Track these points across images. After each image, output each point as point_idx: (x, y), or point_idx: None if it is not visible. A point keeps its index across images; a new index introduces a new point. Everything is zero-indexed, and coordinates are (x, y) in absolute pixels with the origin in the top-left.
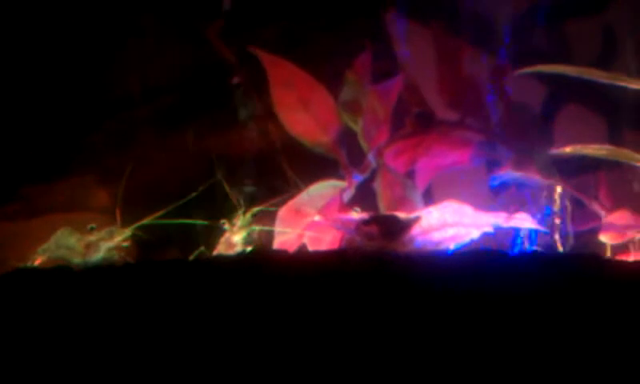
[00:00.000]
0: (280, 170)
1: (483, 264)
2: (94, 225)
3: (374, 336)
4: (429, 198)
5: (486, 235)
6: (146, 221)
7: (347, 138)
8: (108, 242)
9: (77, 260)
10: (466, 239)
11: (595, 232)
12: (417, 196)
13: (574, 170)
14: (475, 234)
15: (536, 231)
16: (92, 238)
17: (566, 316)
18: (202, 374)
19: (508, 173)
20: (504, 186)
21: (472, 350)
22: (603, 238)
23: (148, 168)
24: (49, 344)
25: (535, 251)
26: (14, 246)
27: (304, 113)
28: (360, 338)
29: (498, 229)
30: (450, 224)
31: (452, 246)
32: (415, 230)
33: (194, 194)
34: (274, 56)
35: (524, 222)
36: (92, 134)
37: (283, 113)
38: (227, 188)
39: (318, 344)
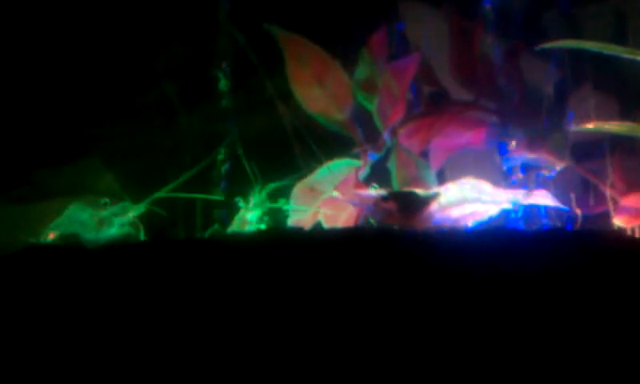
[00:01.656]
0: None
1: (502, 241)
2: (107, 199)
3: (391, 314)
4: (441, 178)
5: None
6: (159, 193)
7: (361, 117)
8: (120, 217)
9: (89, 235)
10: (485, 216)
11: (609, 215)
12: (431, 175)
13: (587, 152)
14: (494, 210)
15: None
16: (105, 213)
17: (587, 293)
18: (213, 351)
19: (521, 154)
20: (514, 167)
21: (490, 327)
22: (617, 221)
23: (154, 152)
24: (60, 321)
25: (554, 228)
26: (25, 227)
27: (319, 89)
28: (378, 318)
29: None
30: (468, 201)
31: (470, 223)
32: (433, 207)
33: (203, 164)
34: (289, 33)
35: (543, 199)
36: (98, 119)
37: (298, 89)
38: (246, 165)
39: (334, 324)
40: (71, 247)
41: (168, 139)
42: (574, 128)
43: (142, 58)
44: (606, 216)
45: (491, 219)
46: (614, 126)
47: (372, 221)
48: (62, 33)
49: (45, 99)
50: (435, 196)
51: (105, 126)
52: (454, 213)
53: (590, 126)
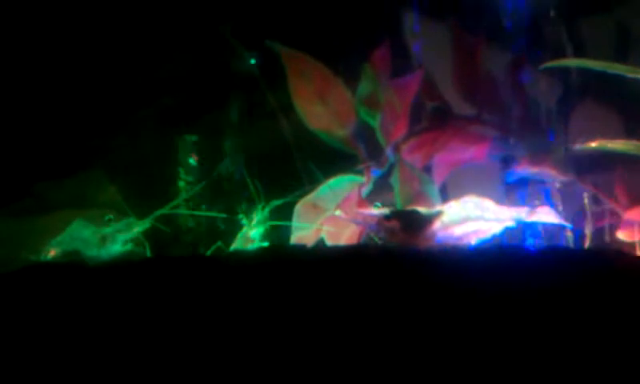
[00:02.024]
0: (296, 166)
1: (505, 260)
2: (111, 215)
3: (395, 333)
4: (443, 193)
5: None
6: (162, 210)
7: (364, 133)
8: (124, 234)
9: (92, 252)
10: (488, 234)
11: (612, 229)
12: (434, 191)
13: (590, 166)
14: (497, 228)
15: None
16: (108, 229)
17: (589, 312)
18: (215, 370)
19: (524, 169)
20: (517, 182)
21: (494, 346)
22: (621, 235)
23: (156, 164)
24: (61, 340)
25: (558, 247)
26: (27, 241)
27: (321, 106)
28: (381, 337)
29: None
30: (471, 219)
31: (474, 241)
32: (436, 225)
33: (205, 182)
34: (291, 49)
35: (547, 216)
36: (101, 131)
37: (301, 106)
38: (249, 182)
39: (337, 343)
40: (73, 265)
41: (170, 152)
42: (577, 147)
43: (145, 69)
44: (610, 230)
45: (494, 237)
46: (618, 145)
47: (375, 238)
48: (64, 44)
49: (47, 110)
50: (438, 214)
51: (107, 137)
52: (457, 231)
53: (594, 144)
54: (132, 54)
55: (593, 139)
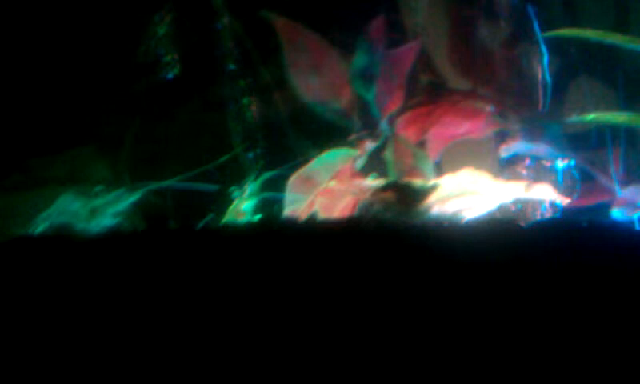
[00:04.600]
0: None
1: (499, 234)
2: (101, 186)
3: (389, 309)
4: (438, 167)
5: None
6: (154, 184)
7: (359, 106)
8: (114, 207)
9: (81, 225)
10: (483, 209)
11: (607, 206)
12: (428, 166)
13: (585, 143)
14: (493, 203)
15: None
16: (98, 202)
17: (585, 285)
18: (208, 345)
19: (519, 144)
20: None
21: (486, 321)
22: (616, 212)
23: (150, 140)
24: (50, 313)
25: (551, 220)
26: (16, 216)
27: (316, 77)
28: (375, 313)
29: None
30: (467, 193)
31: (469, 215)
32: (432, 199)
33: (210, 165)
34: (286, 20)
35: (545, 192)
36: (93, 106)
37: (296, 77)
38: (242, 155)
39: (330, 316)
40: (59, 238)
41: (164, 128)
42: (574, 118)
43: (138, 44)
44: (605, 207)
45: (490, 212)
46: (614, 117)
47: (369, 211)
48: (56, 20)
49: (37, 86)
50: (434, 187)
51: (99, 113)
52: (453, 205)
53: (590, 116)
54: (124, 28)
55: (589, 112)
